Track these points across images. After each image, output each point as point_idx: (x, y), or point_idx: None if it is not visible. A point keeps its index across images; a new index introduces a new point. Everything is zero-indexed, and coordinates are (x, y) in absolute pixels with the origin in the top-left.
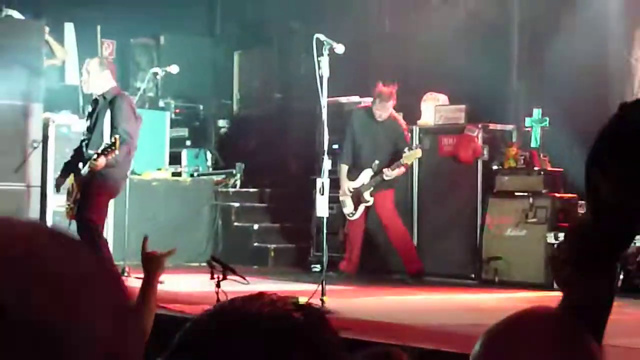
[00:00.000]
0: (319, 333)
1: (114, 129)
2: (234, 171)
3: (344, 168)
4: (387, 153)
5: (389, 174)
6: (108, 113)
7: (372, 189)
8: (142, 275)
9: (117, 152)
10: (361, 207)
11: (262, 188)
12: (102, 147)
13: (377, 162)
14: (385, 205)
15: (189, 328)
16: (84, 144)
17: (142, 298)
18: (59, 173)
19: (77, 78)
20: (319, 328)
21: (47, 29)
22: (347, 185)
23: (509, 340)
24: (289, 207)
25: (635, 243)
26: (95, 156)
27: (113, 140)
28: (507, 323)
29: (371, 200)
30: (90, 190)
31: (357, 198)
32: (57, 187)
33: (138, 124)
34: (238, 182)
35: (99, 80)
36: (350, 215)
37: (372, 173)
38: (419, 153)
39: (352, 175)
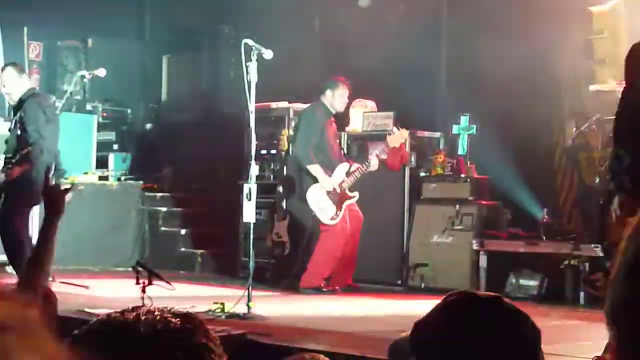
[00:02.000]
0: (195, 337)
1: (23, 132)
2: (161, 176)
3: (318, 167)
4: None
5: (374, 162)
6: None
7: (351, 184)
8: (69, 280)
9: (31, 161)
10: (346, 206)
11: (190, 193)
12: (16, 159)
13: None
14: (357, 214)
15: (78, 335)
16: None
17: (44, 238)
18: None
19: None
20: (196, 333)
21: None
22: (330, 183)
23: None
24: (217, 213)
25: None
26: (10, 166)
27: (25, 152)
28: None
29: (356, 194)
30: (11, 199)
31: (341, 196)
32: None
33: (53, 122)
34: (165, 187)
35: (18, 87)
36: (334, 218)
37: (347, 168)
38: (406, 133)
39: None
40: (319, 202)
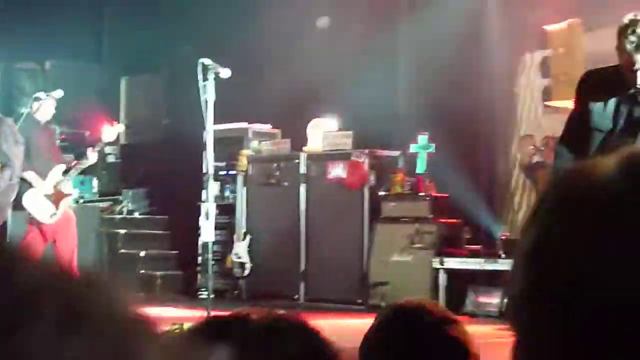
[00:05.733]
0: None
1: None
2: (121, 198)
3: (32, 173)
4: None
5: (92, 156)
6: None
7: (70, 180)
8: None
9: None
10: (63, 203)
11: (149, 215)
12: None
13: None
14: (67, 215)
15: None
16: None
17: None
18: None
19: None
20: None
21: None
22: (45, 186)
23: None
24: (176, 234)
25: None
26: None
27: None
28: None
29: (73, 192)
30: None
31: (57, 195)
32: None
33: (20, 149)
34: (124, 209)
35: None
36: (52, 216)
37: (63, 169)
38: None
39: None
40: (37, 205)
